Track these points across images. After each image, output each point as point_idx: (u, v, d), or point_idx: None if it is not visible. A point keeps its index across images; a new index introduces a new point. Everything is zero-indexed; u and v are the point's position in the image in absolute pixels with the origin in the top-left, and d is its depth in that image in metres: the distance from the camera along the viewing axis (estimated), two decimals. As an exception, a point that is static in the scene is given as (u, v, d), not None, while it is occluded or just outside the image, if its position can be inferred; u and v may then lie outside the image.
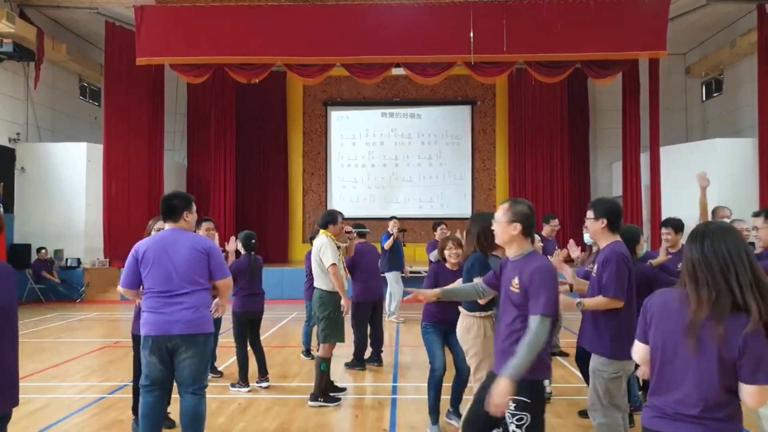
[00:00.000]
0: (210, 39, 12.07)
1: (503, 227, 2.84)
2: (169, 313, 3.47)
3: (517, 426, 2.58)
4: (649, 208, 13.47)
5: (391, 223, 9.23)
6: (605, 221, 3.44)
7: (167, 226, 3.70)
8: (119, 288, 3.87)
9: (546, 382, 4.50)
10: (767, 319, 1.85)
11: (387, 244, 9.07)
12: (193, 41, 12.08)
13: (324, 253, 5.08)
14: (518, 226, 2.80)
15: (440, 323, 4.37)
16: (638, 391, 4.90)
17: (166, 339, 3.47)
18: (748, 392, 1.87)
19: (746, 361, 1.85)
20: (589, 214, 3.51)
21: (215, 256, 3.64)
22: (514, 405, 2.59)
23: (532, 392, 2.59)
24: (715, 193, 12.69)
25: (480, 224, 3.88)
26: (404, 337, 8.45)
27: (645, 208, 13.62)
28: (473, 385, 3.85)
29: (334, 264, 5.04)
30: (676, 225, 5.13)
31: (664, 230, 5.16)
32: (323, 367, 5.06)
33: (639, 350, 2.16)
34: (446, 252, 4.50)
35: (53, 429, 4.60)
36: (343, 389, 5.48)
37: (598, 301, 3.38)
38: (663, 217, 12.69)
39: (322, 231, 5.26)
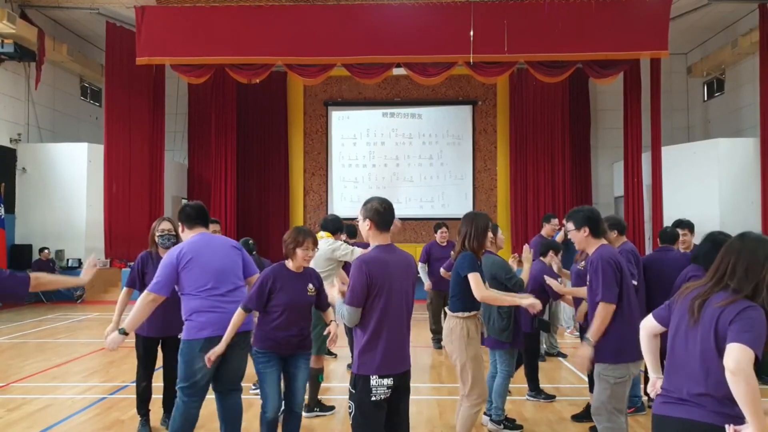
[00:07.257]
0: (210, 39, 12.07)
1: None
2: (230, 310, 3.49)
3: (349, 413, 2.83)
4: (651, 208, 13.45)
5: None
6: (587, 229, 3.49)
7: (197, 230, 3.70)
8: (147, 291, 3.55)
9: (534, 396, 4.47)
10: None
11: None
12: (194, 41, 12.09)
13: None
14: None
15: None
16: (641, 393, 4.88)
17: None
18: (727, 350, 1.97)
19: (734, 326, 1.99)
20: (569, 226, 3.56)
21: (244, 253, 3.82)
22: (349, 394, 2.84)
23: (355, 384, 2.81)
24: (716, 193, 12.81)
25: (467, 225, 3.87)
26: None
27: (647, 208, 13.59)
28: (459, 385, 3.82)
29: None
30: (693, 226, 5.31)
31: (681, 231, 5.23)
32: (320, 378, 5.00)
33: (647, 325, 2.43)
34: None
35: (54, 429, 4.58)
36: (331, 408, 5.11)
37: (599, 323, 3.34)
38: (664, 217, 12.76)
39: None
